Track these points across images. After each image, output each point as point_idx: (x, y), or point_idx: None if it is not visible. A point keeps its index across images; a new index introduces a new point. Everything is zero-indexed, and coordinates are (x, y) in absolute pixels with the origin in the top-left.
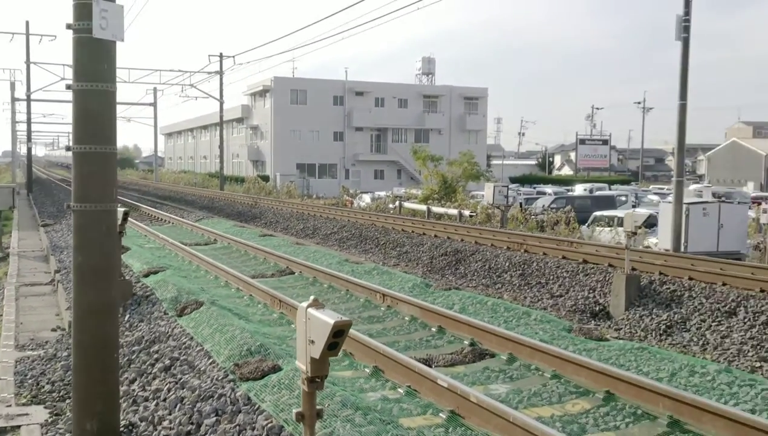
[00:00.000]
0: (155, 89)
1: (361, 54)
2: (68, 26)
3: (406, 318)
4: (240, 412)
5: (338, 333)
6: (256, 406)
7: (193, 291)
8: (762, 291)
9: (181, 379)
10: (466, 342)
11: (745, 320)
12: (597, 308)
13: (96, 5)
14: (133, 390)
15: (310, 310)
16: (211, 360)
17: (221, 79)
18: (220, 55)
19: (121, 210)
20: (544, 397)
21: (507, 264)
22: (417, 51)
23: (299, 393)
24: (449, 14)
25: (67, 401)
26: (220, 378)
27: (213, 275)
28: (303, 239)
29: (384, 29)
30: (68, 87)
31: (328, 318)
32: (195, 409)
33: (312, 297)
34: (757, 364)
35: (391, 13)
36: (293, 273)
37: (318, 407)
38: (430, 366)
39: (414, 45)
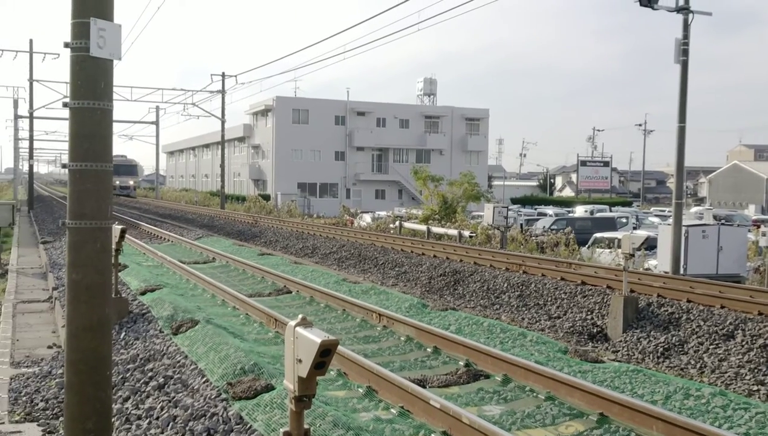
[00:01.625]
0: (157, 108)
1: (363, 74)
2: (66, 45)
3: (402, 338)
4: (232, 431)
5: (325, 352)
6: (248, 425)
7: (190, 309)
8: (760, 314)
9: (174, 397)
10: (461, 363)
11: (743, 343)
12: (595, 330)
13: (94, 24)
14: (127, 408)
15: (298, 329)
16: (204, 379)
17: (223, 98)
18: (222, 75)
19: (118, 228)
20: (538, 419)
21: (505, 285)
22: (419, 72)
23: None
24: (452, 36)
25: (61, 418)
26: (213, 397)
27: (210, 293)
28: (302, 258)
29: (386, 50)
30: (65, 105)
31: (315, 337)
32: (187, 428)
33: (300, 316)
34: (755, 387)
35: (392, 34)
36: (290, 292)
37: (306, 426)
38: (424, 387)
39: (416, 66)
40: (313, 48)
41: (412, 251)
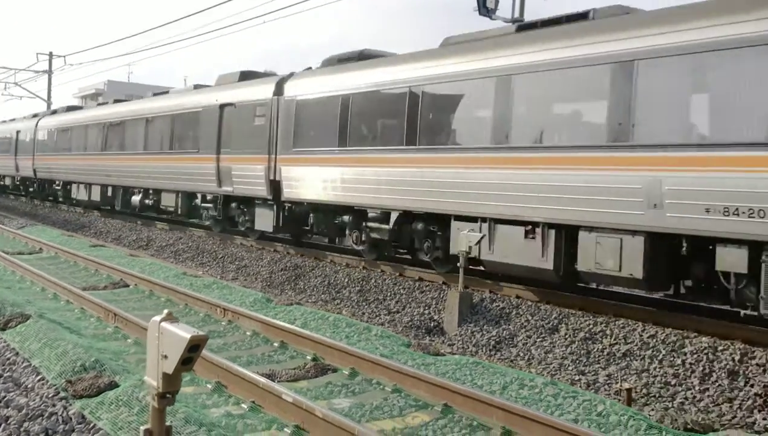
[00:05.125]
0: None
1: (208, 63)
2: None
3: (248, 333)
4: (73, 431)
5: (194, 348)
6: (92, 424)
7: (18, 303)
8: (581, 309)
9: (5, 397)
10: (308, 357)
11: (566, 336)
12: (432, 324)
13: None
14: None
15: (163, 324)
16: (40, 377)
17: (50, 79)
18: (50, 54)
19: None
20: (386, 410)
21: (346, 280)
22: (267, 65)
23: (139, 410)
24: (300, 29)
25: None
26: (50, 396)
27: (40, 286)
28: (137, 251)
29: (231, 40)
30: None
31: (183, 332)
32: (22, 429)
33: (166, 311)
34: (576, 377)
35: (232, 25)
36: (128, 286)
37: (167, 423)
38: (273, 381)
39: (266, 56)
40: (149, 33)
41: (251, 245)
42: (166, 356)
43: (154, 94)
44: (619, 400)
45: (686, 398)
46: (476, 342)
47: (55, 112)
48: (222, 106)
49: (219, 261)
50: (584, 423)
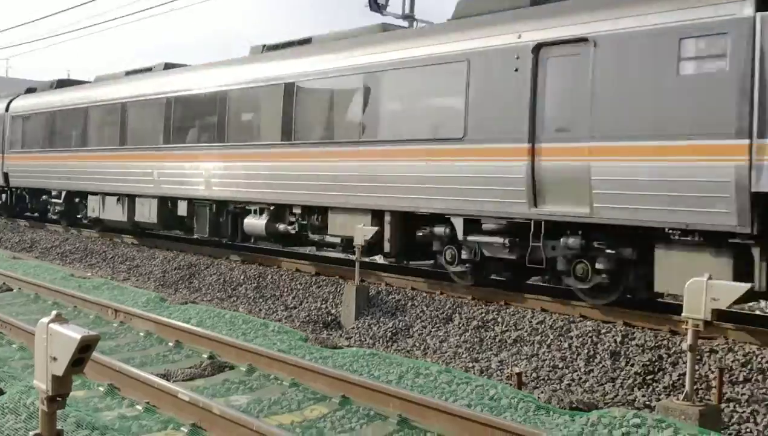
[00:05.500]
0: None
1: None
2: None
3: (141, 334)
4: None
5: (85, 348)
6: None
7: None
8: (474, 299)
9: None
10: (205, 356)
11: (460, 325)
12: (329, 318)
13: None
14: None
15: (52, 325)
16: None
17: None
18: None
19: None
20: (284, 405)
21: (242, 277)
22: (168, 57)
23: (27, 416)
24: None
25: None
26: None
27: None
28: (20, 253)
29: (120, 33)
30: None
31: (73, 333)
32: None
33: (54, 312)
34: (470, 364)
35: (113, 19)
36: (11, 290)
37: (57, 428)
38: (168, 381)
39: (166, 51)
40: (28, 26)
41: (143, 245)
42: (55, 358)
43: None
44: (511, 384)
45: (573, 380)
46: (373, 334)
47: (33, 90)
48: None
49: (109, 262)
50: (477, 407)
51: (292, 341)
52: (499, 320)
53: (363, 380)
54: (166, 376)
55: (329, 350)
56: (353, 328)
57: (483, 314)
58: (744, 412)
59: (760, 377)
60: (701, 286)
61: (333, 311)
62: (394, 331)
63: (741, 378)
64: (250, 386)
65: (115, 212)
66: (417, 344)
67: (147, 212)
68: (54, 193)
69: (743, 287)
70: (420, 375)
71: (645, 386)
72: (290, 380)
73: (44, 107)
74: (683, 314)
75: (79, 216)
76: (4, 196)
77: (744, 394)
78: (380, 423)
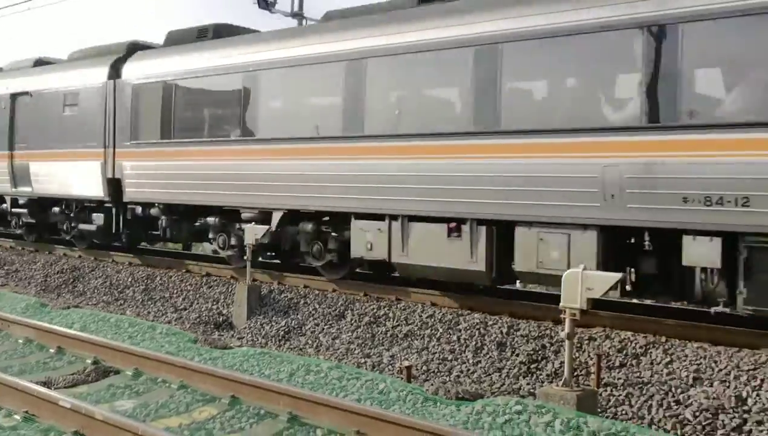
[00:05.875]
0: None
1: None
2: None
3: (20, 341)
4: None
5: None
6: None
7: None
8: (366, 295)
9: None
10: (88, 361)
11: (352, 321)
12: (221, 319)
13: None
14: None
15: None
16: None
17: None
18: None
19: None
20: (172, 408)
21: (130, 280)
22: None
23: None
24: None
25: None
26: None
27: None
28: None
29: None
30: None
31: None
32: None
33: None
34: (363, 360)
35: None
36: None
37: None
38: (49, 388)
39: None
40: None
41: (23, 248)
42: None
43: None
44: (401, 378)
45: (462, 371)
46: (266, 333)
47: (145, 47)
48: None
49: None
50: (366, 401)
51: (181, 343)
52: (391, 315)
53: (253, 379)
54: (46, 383)
55: (219, 350)
56: (245, 328)
57: (375, 310)
58: (620, 395)
59: (634, 362)
60: (577, 276)
61: (225, 312)
62: (286, 329)
63: (617, 363)
64: (137, 390)
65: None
66: (310, 342)
67: None
68: (212, 219)
69: (615, 276)
70: (311, 372)
71: (529, 375)
72: (178, 383)
73: (213, 69)
74: (561, 304)
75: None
76: (104, 216)
77: (620, 378)
78: (270, 421)
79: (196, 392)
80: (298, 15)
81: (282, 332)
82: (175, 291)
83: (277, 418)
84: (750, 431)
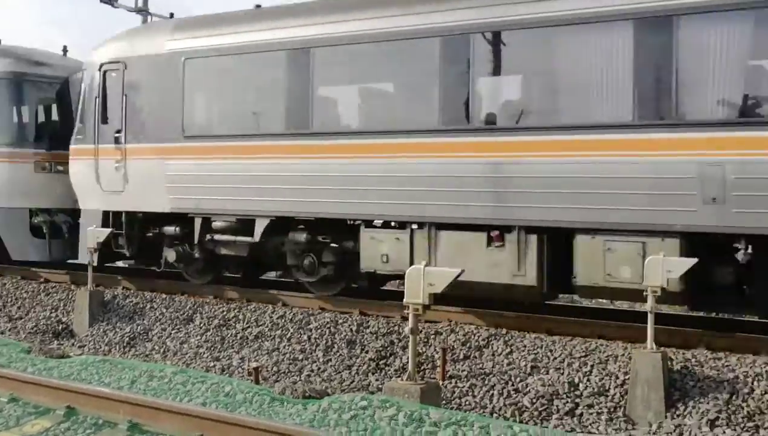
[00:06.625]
0: None
1: None
2: None
3: None
4: None
5: None
6: None
7: None
8: (215, 297)
9: None
10: None
11: (201, 325)
12: (60, 327)
13: None
14: None
15: None
16: None
17: None
18: None
19: None
20: (1, 423)
21: None
22: None
23: None
24: None
25: None
26: None
27: None
28: None
29: None
30: None
31: None
32: None
33: None
34: (212, 363)
35: None
36: None
37: None
38: None
39: None
40: None
41: None
42: None
43: None
44: (250, 380)
45: (312, 370)
46: (109, 341)
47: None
48: None
49: None
50: (212, 405)
51: (13, 354)
52: (241, 317)
53: (90, 388)
54: None
55: (55, 360)
56: (87, 336)
57: (224, 312)
58: (464, 387)
59: (477, 354)
60: (419, 273)
61: (65, 319)
62: (131, 336)
63: (462, 356)
64: None
65: None
66: (156, 348)
67: None
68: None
69: (454, 272)
70: (154, 378)
71: (378, 371)
72: (8, 395)
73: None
74: (404, 300)
75: None
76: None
77: (464, 370)
78: (109, 431)
79: (28, 405)
80: (144, 11)
81: (127, 339)
82: (10, 299)
83: (117, 427)
84: (581, 414)
